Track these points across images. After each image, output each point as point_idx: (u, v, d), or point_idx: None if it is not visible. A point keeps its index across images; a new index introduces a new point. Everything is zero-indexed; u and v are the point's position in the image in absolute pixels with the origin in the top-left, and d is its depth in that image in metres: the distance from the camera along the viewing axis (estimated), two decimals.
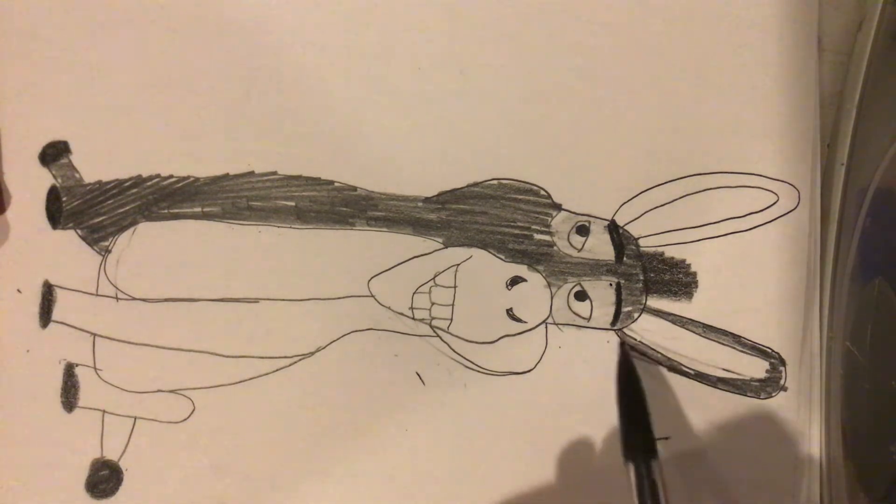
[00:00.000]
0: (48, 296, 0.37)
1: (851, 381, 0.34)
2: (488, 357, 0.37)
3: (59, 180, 0.37)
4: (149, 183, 0.37)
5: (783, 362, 0.37)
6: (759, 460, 0.37)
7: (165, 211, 0.37)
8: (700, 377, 0.37)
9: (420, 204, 0.37)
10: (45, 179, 0.37)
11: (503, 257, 0.37)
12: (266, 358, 0.37)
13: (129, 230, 0.37)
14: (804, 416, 0.37)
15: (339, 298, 0.37)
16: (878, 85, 0.35)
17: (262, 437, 0.37)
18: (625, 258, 0.37)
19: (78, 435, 0.37)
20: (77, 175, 0.37)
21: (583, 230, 0.37)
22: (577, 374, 0.37)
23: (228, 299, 0.37)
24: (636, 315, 0.37)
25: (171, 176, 0.37)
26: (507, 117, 0.37)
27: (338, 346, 0.37)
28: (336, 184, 0.37)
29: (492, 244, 0.37)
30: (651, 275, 0.37)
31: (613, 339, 0.37)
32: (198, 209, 0.37)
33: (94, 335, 0.37)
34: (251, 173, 0.37)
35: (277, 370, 0.37)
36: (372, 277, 0.37)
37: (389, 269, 0.37)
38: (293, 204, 0.37)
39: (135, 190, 0.37)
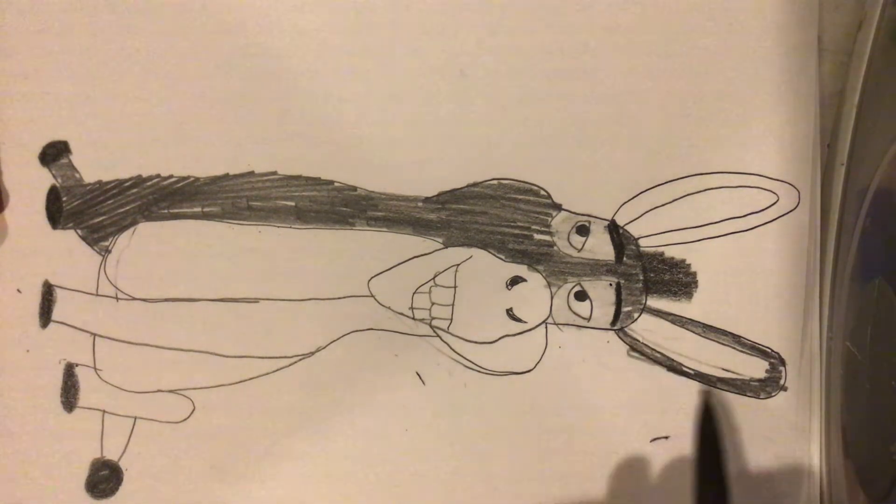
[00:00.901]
0: (48, 296, 0.37)
1: (851, 381, 0.34)
2: (488, 357, 0.37)
3: (59, 180, 0.37)
4: (149, 183, 0.37)
5: (783, 362, 0.37)
6: (759, 460, 0.37)
7: (165, 211, 0.37)
8: (700, 377, 0.37)
9: (420, 204, 0.37)
10: (45, 179, 0.37)
11: (503, 257, 0.37)
12: (266, 358, 0.37)
13: (129, 230, 0.37)
14: (804, 416, 0.37)
15: (339, 298, 0.37)
16: (878, 85, 0.35)
17: (262, 437, 0.37)
18: (625, 258, 0.37)
19: (78, 435, 0.37)
20: (77, 175, 0.37)
21: (583, 230, 0.37)
22: (577, 374, 0.37)
23: (228, 299, 0.37)
24: (636, 315, 0.37)
25: (171, 176, 0.37)
26: (508, 117, 0.37)
27: (338, 346, 0.37)
28: (336, 184, 0.37)
29: (492, 244, 0.37)
30: (651, 275, 0.37)
31: (613, 339, 0.37)
32: (198, 209, 0.37)
33: (94, 335, 0.37)
34: (251, 173, 0.37)
35: (277, 370, 0.37)
36: (372, 277, 0.37)
37: (389, 269, 0.37)
38: (293, 204, 0.37)
39: (135, 190, 0.37)
